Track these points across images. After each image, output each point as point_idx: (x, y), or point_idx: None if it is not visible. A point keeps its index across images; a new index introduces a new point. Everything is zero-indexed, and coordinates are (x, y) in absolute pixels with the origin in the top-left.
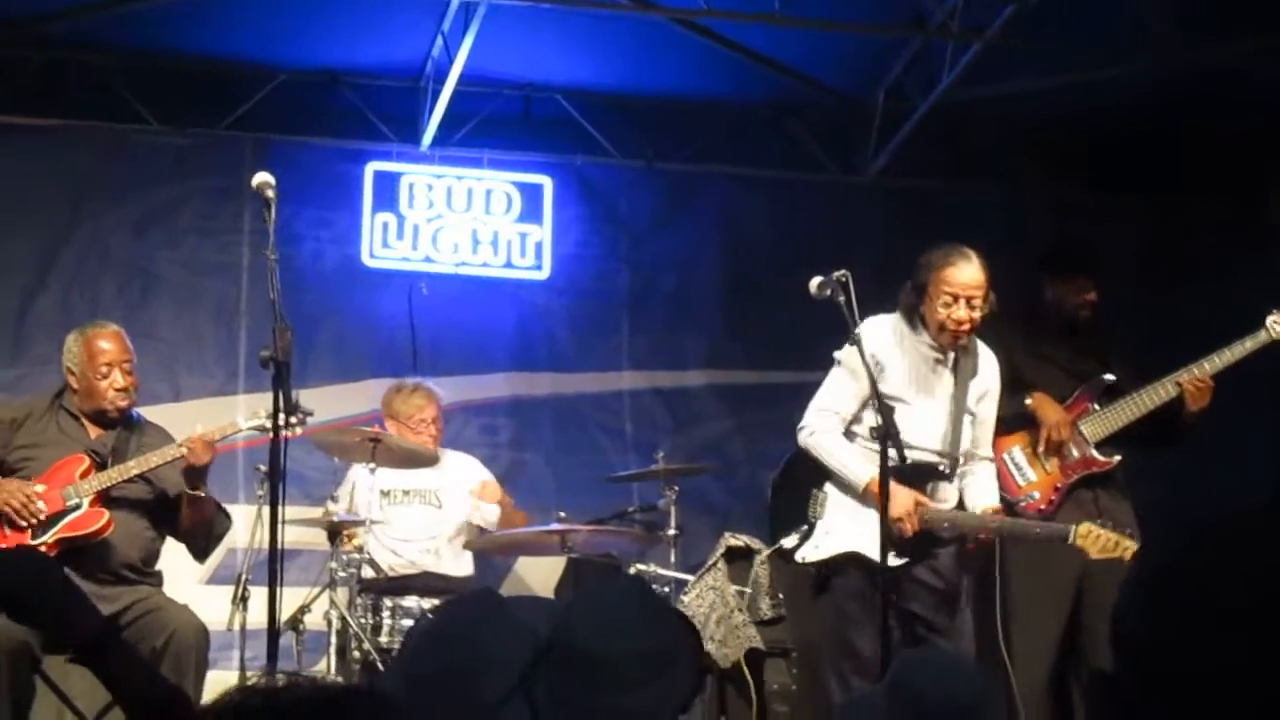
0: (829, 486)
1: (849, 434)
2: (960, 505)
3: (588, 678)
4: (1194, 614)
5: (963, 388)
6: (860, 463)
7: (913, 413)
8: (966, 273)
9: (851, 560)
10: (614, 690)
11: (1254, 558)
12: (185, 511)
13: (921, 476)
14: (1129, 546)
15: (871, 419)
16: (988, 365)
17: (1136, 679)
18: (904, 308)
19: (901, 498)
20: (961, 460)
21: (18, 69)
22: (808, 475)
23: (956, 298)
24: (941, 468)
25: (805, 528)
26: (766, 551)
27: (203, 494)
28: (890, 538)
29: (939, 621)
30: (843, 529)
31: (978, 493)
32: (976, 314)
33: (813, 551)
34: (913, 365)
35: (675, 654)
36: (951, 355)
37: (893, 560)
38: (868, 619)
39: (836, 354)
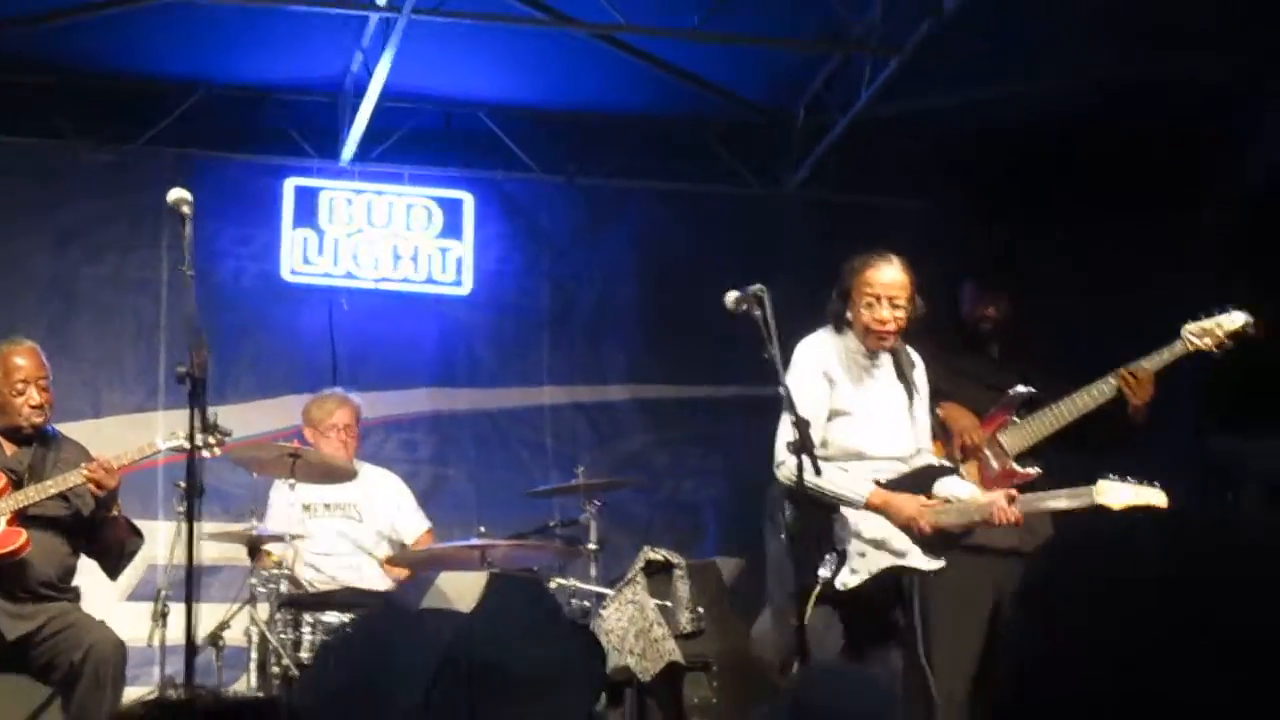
0: (845, 509)
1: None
2: None
3: (483, 689)
4: (1055, 626)
5: (906, 389)
6: (851, 482)
7: (865, 423)
8: (886, 273)
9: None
10: (509, 701)
11: (1110, 573)
12: (101, 532)
13: (927, 479)
14: (1153, 495)
15: (833, 436)
16: (919, 365)
17: (1018, 692)
18: (832, 315)
19: (906, 502)
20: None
21: None
22: (821, 503)
23: (879, 298)
24: (947, 465)
25: (834, 555)
26: (816, 592)
27: (114, 515)
28: (922, 540)
29: (898, 625)
30: (875, 546)
31: (953, 485)
32: (900, 314)
33: (852, 576)
34: (854, 375)
35: (571, 666)
36: (884, 358)
37: (930, 564)
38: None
39: (781, 389)
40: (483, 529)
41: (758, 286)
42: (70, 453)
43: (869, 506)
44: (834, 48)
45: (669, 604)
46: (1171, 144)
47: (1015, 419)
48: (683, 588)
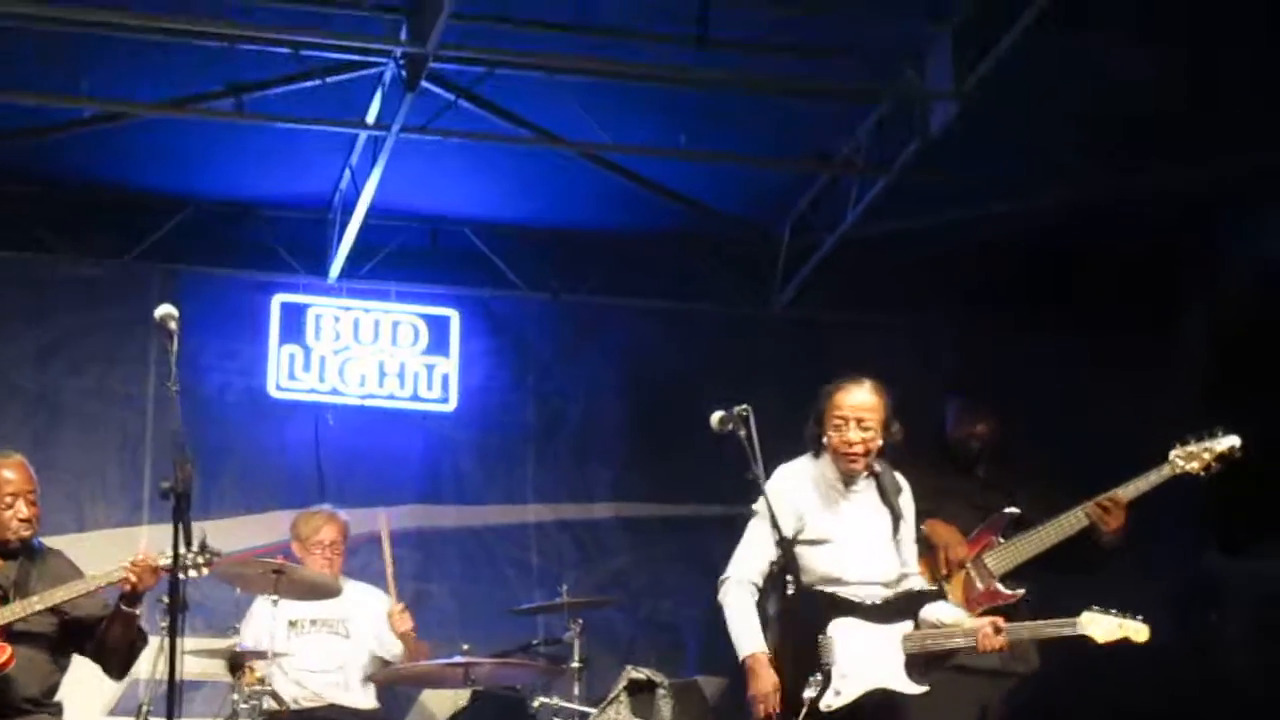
0: (830, 629)
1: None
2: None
3: None
4: None
5: (891, 512)
6: (747, 631)
7: (842, 549)
8: (856, 396)
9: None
10: None
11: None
12: (115, 630)
13: (912, 604)
14: (1136, 629)
15: (810, 563)
16: (905, 488)
17: None
18: (809, 440)
19: (764, 682)
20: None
21: None
22: (808, 621)
23: (846, 420)
24: (932, 590)
25: (820, 676)
26: (803, 714)
27: (137, 613)
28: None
29: None
30: (859, 668)
31: (939, 609)
32: (869, 436)
33: (835, 698)
34: (830, 501)
35: None
36: (865, 482)
37: (913, 688)
38: None
39: (754, 506)
40: (466, 646)
41: (742, 407)
42: (57, 565)
43: (742, 663)
44: (821, 168)
45: None
46: (1153, 259)
47: (1000, 540)
48: (665, 708)
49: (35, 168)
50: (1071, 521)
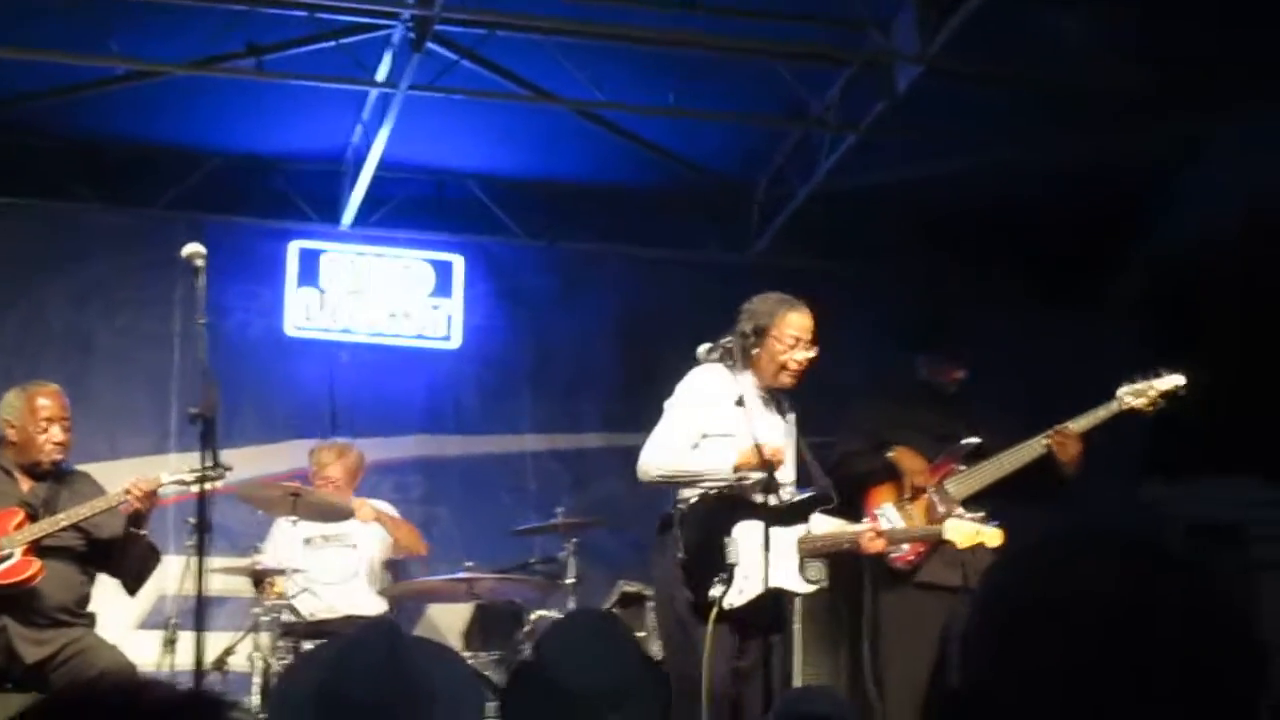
0: (735, 530)
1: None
2: None
3: (553, 710)
4: (1007, 628)
5: (785, 425)
6: (714, 460)
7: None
8: (807, 317)
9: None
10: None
11: (1055, 578)
12: (127, 550)
13: (805, 508)
14: (991, 534)
15: (713, 455)
16: (791, 411)
17: (969, 692)
18: (736, 351)
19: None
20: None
21: None
22: (713, 524)
23: (799, 339)
24: (820, 496)
25: (725, 575)
26: (715, 612)
27: (143, 533)
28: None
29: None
30: (759, 568)
31: (823, 521)
32: (813, 356)
33: (738, 596)
34: (739, 403)
35: (636, 689)
36: (771, 396)
37: (809, 587)
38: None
39: (667, 402)
40: (469, 564)
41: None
42: (83, 486)
43: (738, 468)
44: (794, 124)
45: (643, 634)
46: (1100, 218)
47: (962, 468)
48: (654, 618)
49: (68, 123)
50: (1030, 450)
